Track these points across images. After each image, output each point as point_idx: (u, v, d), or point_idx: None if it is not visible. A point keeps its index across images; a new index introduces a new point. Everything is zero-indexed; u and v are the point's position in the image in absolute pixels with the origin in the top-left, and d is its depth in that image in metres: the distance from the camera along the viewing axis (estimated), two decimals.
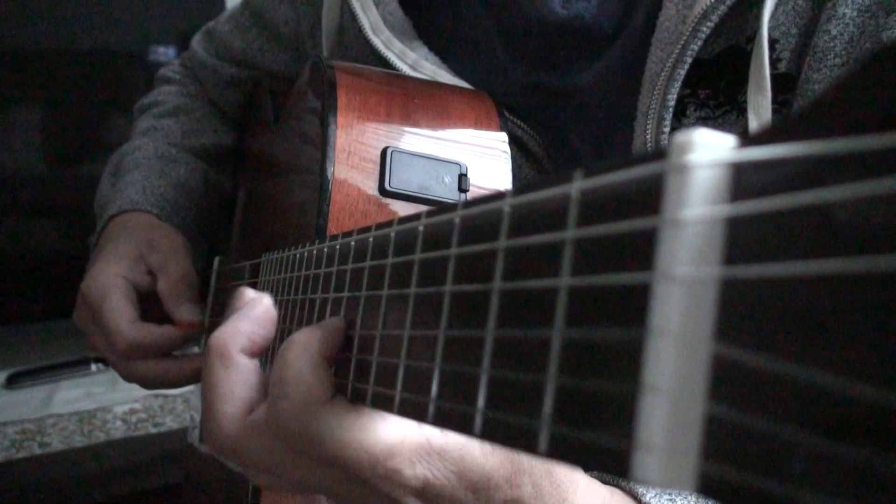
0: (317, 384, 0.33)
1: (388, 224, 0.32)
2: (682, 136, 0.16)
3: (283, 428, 0.34)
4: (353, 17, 0.64)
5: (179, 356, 0.69)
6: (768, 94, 0.46)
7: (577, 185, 0.19)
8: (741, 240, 0.15)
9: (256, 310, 0.39)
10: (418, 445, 0.33)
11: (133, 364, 0.66)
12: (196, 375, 0.67)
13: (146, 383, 0.68)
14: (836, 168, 0.14)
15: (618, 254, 0.18)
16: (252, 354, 0.38)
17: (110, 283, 0.66)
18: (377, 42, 0.63)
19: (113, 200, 0.76)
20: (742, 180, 0.15)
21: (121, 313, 0.65)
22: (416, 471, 0.33)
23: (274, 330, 0.39)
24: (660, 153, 0.17)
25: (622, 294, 0.17)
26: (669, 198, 0.16)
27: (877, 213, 0.13)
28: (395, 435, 0.33)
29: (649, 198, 0.17)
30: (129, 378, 0.68)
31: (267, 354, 0.41)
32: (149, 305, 0.69)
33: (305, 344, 0.34)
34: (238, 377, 0.37)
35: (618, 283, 0.17)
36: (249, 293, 0.40)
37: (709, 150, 0.16)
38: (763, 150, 0.15)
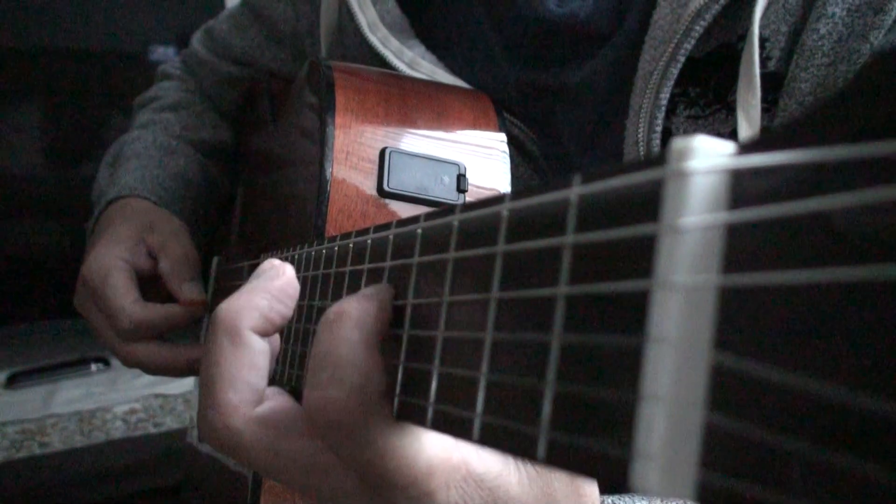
0: (375, 372, 0.28)
1: (387, 226, 0.32)
2: (681, 142, 0.16)
3: (330, 421, 0.28)
4: (351, 16, 0.64)
5: (185, 344, 0.67)
6: (758, 92, 0.46)
7: (577, 191, 0.19)
8: (740, 247, 0.15)
9: (276, 282, 0.33)
10: (455, 468, 0.29)
11: (135, 347, 0.65)
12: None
13: (147, 367, 0.66)
14: (836, 175, 0.13)
15: (617, 260, 0.17)
16: (265, 334, 0.32)
17: (111, 264, 0.65)
18: (374, 40, 0.63)
19: (111, 187, 0.76)
20: (741, 187, 0.15)
21: (124, 292, 0.64)
22: (450, 496, 0.29)
23: (293, 308, 0.33)
24: (659, 159, 0.17)
25: (621, 301, 0.17)
26: (668, 204, 0.16)
27: (876, 221, 0.13)
28: (436, 453, 0.29)
29: (648, 204, 0.16)
30: (128, 362, 0.67)
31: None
32: (150, 290, 0.68)
33: (359, 319, 0.29)
34: (248, 360, 0.31)
35: (617, 290, 0.17)
36: (272, 262, 0.34)
37: (708, 156, 0.16)
38: (762, 156, 0.15)
